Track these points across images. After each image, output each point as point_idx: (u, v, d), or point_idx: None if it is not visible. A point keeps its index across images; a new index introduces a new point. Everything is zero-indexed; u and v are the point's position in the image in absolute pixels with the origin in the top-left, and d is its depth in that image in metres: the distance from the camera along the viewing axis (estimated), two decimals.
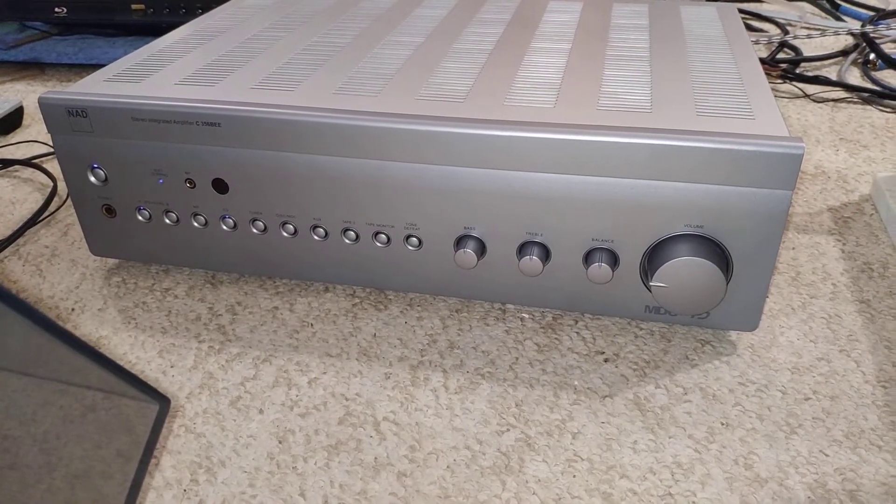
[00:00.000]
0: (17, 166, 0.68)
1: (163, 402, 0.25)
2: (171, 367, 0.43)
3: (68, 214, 0.59)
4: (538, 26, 0.55)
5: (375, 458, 0.36)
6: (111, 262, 0.53)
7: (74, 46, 0.95)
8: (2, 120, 0.74)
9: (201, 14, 0.82)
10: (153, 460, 0.37)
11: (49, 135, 0.74)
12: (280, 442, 0.37)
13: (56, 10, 0.88)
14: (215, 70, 0.48)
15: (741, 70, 0.45)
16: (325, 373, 0.42)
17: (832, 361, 0.41)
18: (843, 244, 0.51)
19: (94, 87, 0.46)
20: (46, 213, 0.60)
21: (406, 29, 0.55)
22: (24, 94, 0.86)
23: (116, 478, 0.25)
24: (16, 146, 0.72)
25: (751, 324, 0.41)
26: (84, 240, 0.56)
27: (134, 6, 0.85)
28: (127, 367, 0.43)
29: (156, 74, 0.48)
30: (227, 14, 0.61)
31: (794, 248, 0.51)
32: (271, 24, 0.57)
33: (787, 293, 0.46)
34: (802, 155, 0.35)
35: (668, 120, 0.38)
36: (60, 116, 0.45)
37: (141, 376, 0.42)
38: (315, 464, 0.36)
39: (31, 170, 0.67)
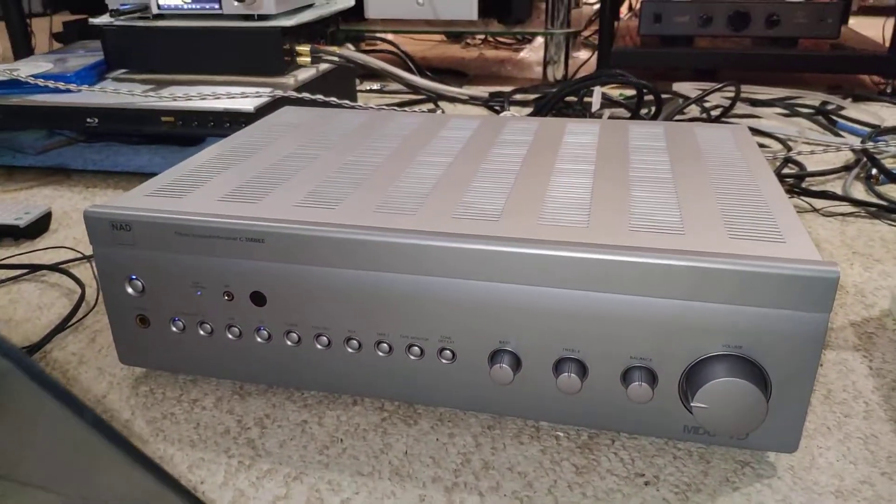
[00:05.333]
0: (44, 271, 0.69)
1: None
2: (202, 483, 0.42)
3: (96, 321, 0.60)
4: (560, 147, 0.57)
5: None
6: (138, 370, 0.53)
7: (100, 154, 0.98)
8: (31, 225, 0.76)
9: (229, 127, 0.85)
10: None
11: (76, 241, 0.75)
12: None
13: (88, 120, 0.91)
14: (256, 187, 0.50)
15: (763, 191, 0.47)
16: (357, 493, 0.41)
17: (875, 485, 0.40)
18: (870, 361, 0.52)
19: (137, 202, 0.48)
20: (74, 320, 0.60)
21: (434, 149, 0.57)
22: (52, 198, 0.88)
23: None
24: (43, 251, 0.73)
25: (790, 445, 0.40)
26: (111, 347, 0.56)
27: (164, 118, 0.89)
28: None
29: (197, 190, 0.49)
30: (259, 132, 0.63)
31: (822, 365, 0.51)
32: (305, 142, 0.60)
33: (820, 412, 0.46)
34: (838, 279, 0.36)
35: (702, 242, 0.39)
36: (104, 229, 0.47)
37: None
38: None
39: (58, 275, 0.68)
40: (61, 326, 0.59)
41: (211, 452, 0.44)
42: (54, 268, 0.69)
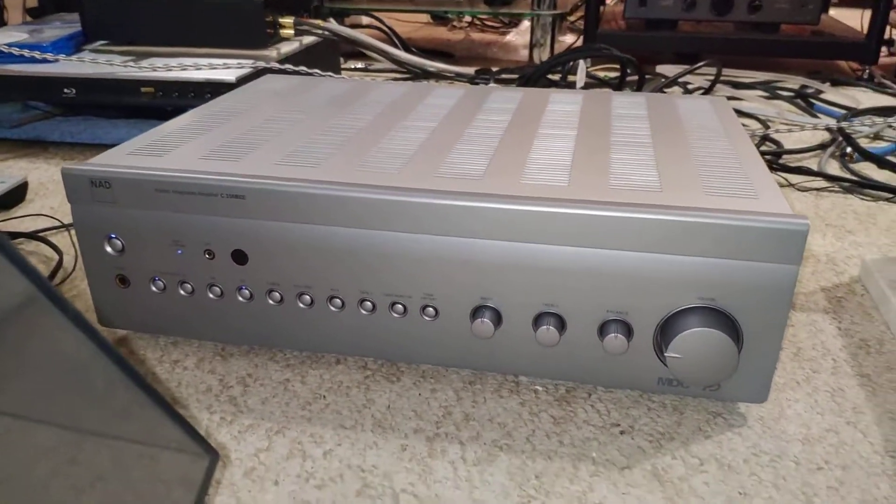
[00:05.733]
0: (21, 239, 0.68)
1: (213, 455, 0.25)
2: None
3: (73, 287, 0.59)
4: (543, 115, 0.58)
5: None
6: (119, 333, 0.53)
7: (78, 126, 0.97)
8: (6, 194, 0.75)
9: (210, 98, 0.85)
10: None
11: (53, 210, 0.75)
12: None
13: (65, 90, 0.90)
14: (237, 147, 0.50)
15: (739, 154, 0.48)
16: (339, 444, 0.41)
17: (840, 433, 0.42)
18: (839, 322, 0.53)
19: (117, 160, 0.47)
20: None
21: (419, 115, 0.58)
22: (28, 170, 0.87)
23: None
24: (20, 220, 0.73)
25: (760, 396, 0.42)
26: (90, 312, 0.56)
27: (144, 89, 0.88)
28: None
29: (178, 150, 0.49)
30: (242, 98, 0.63)
31: (793, 326, 0.53)
32: (287, 107, 0.60)
33: (790, 368, 0.48)
34: (807, 231, 0.37)
35: (678, 198, 0.40)
36: (83, 187, 0.46)
37: None
38: None
39: (35, 243, 0.68)
40: None
41: (192, 409, 0.45)
42: (32, 236, 0.68)
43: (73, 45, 0.99)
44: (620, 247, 0.40)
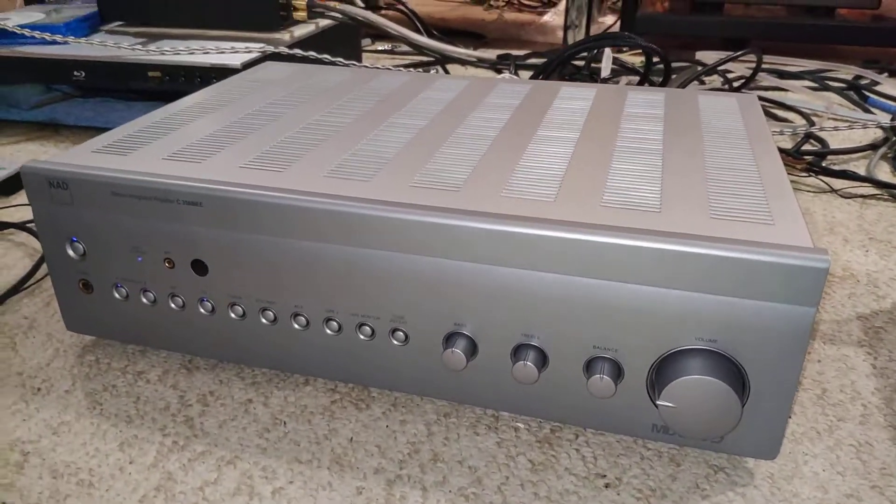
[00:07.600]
0: (12, 229, 0.66)
1: None
2: (130, 462, 0.39)
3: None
4: (547, 113, 0.52)
5: None
6: (87, 338, 0.50)
7: (93, 110, 0.95)
8: (4, 182, 0.73)
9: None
10: None
11: None
12: None
13: (75, 73, 0.88)
14: (207, 146, 0.46)
15: (761, 169, 0.42)
16: (291, 482, 0.38)
17: (863, 500, 0.36)
18: (875, 358, 0.47)
19: (78, 159, 0.44)
20: (32, 281, 0.57)
21: (411, 111, 0.53)
22: (36, 154, 0.86)
23: None
24: (15, 208, 0.71)
25: (770, 452, 0.36)
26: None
27: (151, 73, 0.85)
28: (85, 458, 0.40)
29: (146, 147, 0.46)
30: (235, 86, 0.60)
31: (819, 361, 0.46)
32: (275, 100, 0.56)
33: (811, 414, 0.42)
34: (827, 269, 0.31)
35: (677, 221, 0.35)
36: (41, 186, 0.43)
37: (97, 470, 0.38)
38: None
39: (25, 234, 0.65)
40: (17, 288, 0.56)
41: (146, 430, 0.41)
42: (21, 226, 0.66)
43: (87, 25, 0.97)
44: (607, 276, 0.34)
